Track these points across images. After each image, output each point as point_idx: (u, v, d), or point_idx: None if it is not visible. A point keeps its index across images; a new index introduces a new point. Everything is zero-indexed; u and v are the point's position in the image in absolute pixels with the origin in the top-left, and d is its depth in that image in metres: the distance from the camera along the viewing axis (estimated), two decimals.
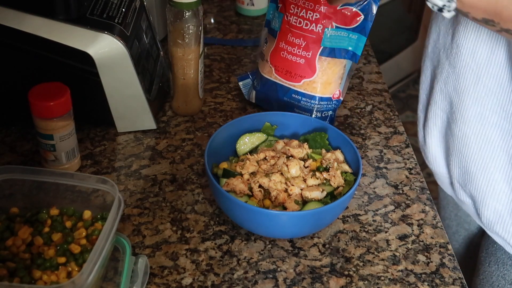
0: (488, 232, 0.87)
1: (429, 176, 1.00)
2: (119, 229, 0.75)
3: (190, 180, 0.85)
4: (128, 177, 0.85)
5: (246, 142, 0.84)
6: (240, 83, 0.99)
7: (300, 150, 0.80)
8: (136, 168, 0.86)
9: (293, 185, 0.76)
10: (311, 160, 0.80)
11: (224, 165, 0.80)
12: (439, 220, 0.81)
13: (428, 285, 0.72)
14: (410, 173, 0.88)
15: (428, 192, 0.85)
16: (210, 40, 1.18)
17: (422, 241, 0.78)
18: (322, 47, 0.88)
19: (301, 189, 0.76)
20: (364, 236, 0.78)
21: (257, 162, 0.79)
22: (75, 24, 0.83)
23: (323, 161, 0.79)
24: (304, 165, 0.79)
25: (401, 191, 0.85)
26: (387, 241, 0.77)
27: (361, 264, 0.74)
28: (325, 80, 0.89)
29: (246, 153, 0.83)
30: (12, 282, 0.62)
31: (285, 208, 0.75)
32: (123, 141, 0.91)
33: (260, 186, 0.76)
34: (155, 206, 0.80)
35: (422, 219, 0.81)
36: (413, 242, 0.77)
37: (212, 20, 1.26)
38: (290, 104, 0.92)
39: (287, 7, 0.89)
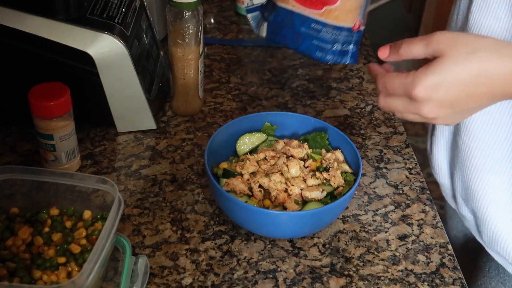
0: (488, 250, 0.84)
1: (429, 176, 1.00)
2: (119, 229, 0.75)
3: (190, 180, 0.85)
4: (128, 177, 0.85)
5: (246, 142, 0.84)
6: (249, 15, 0.87)
7: (300, 150, 0.80)
8: (136, 168, 0.86)
9: (293, 185, 0.76)
10: (311, 160, 0.80)
11: (224, 165, 0.80)
12: (439, 220, 0.81)
13: (428, 285, 0.72)
14: (410, 173, 0.88)
15: (428, 192, 0.85)
16: (210, 40, 1.18)
17: (422, 241, 0.78)
18: None
19: (301, 189, 0.76)
20: (364, 236, 0.78)
21: (257, 162, 0.79)
22: (75, 24, 0.83)
23: (323, 161, 0.79)
24: (304, 165, 0.79)
25: (401, 191, 0.85)
26: (387, 241, 0.77)
27: (361, 264, 0.74)
28: (347, 8, 0.78)
29: (246, 153, 0.83)
30: (12, 282, 0.62)
31: (285, 208, 0.75)
32: (123, 141, 0.91)
33: (260, 186, 0.76)
34: (155, 206, 0.80)
35: (422, 219, 0.81)
36: (413, 242, 0.77)
37: (212, 20, 1.26)
38: (308, 35, 0.80)
39: None
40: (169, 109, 0.98)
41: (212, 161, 0.79)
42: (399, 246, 0.77)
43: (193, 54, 0.91)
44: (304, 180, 0.77)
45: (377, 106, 1.01)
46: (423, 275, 0.73)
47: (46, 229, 0.68)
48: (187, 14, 0.87)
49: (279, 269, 0.73)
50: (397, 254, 0.76)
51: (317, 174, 0.77)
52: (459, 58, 0.58)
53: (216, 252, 0.74)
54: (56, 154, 0.81)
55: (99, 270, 0.60)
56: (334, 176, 0.77)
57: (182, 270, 0.72)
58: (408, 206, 0.83)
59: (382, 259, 0.75)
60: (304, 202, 0.76)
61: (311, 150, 0.82)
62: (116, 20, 0.86)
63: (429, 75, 0.59)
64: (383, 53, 0.67)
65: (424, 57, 0.63)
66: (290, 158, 0.79)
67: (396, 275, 0.73)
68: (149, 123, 0.92)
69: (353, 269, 0.73)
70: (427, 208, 0.82)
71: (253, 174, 0.78)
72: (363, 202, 0.83)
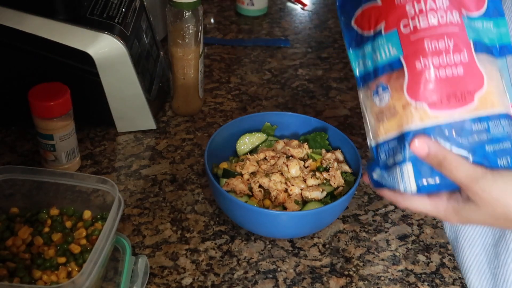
0: None
1: None
2: (119, 229, 0.75)
3: (190, 180, 0.85)
4: (128, 177, 0.85)
5: (246, 142, 0.84)
6: (374, 174, 0.62)
7: (300, 150, 0.80)
8: (136, 168, 0.86)
9: (293, 185, 0.76)
10: (311, 160, 0.80)
11: (224, 165, 0.80)
12: (439, 220, 0.81)
13: (428, 285, 0.72)
14: None
15: None
16: (210, 40, 1.18)
17: (422, 241, 0.78)
18: (471, 41, 0.59)
19: (301, 189, 0.76)
20: (364, 236, 0.78)
21: (257, 162, 0.79)
22: (75, 24, 0.83)
23: (323, 161, 0.79)
24: (304, 165, 0.79)
25: None
26: (387, 241, 0.77)
27: (361, 264, 0.74)
28: (494, 87, 0.59)
29: (246, 153, 0.83)
30: (12, 282, 0.62)
31: (285, 208, 0.75)
32: (123, 141, 0.91)
33: (260, 186, 0.77)
34: (155, 206, 0.80)
35: (422, 219, 0.81)
36: (413, 242, 0.77)
37: (212, 20, 1.26)
38: (475, 145, 0.57)
39: (398, 16, 0.59)
40: (169, 109, 0.98)
41: (212, 161, 0.79)
42: (399, 246, 0.77)
43: (193, 54, 0.91)
44: (304, 180, 0.77)
45: None
46: (423, 275, 0.73)
47: (46, 229, 0.68)
48: (187, 14, 0.87)
49: (279, 269, 0.73)
50: (397, 254, 0.76)
51: (317, 174, 0.77)
52: (496, 213, 0.56)
53: (216, 252, 0.74)
54: (56, 154, 0.81)
55: (99, 270, 0.60)
56: (334, 176, 0.77)
57: (182, 270, 0.72)
58: None
59: (382, 259, 0.75)
60: (304, 202, 0.76)
61: (311, 150, 0.82)
62: (116, 20, 0.86)
63: (464, 213, 0.57)
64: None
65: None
66: (290, 158, 0.79)
67: (396, 275, 0.73)
68: (149, 123, 0.92)
69: (353, 269, 0.73)
70: None
71: (253, 174, 0.78)
72: (363, 202, 0.83)
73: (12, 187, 0.69)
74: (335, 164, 0.79)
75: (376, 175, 0.61)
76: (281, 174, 0.77)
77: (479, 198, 0.54)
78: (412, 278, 0.72)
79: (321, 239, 0.77)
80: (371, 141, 0.61)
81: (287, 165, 0.77)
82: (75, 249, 0.66)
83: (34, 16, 0.82)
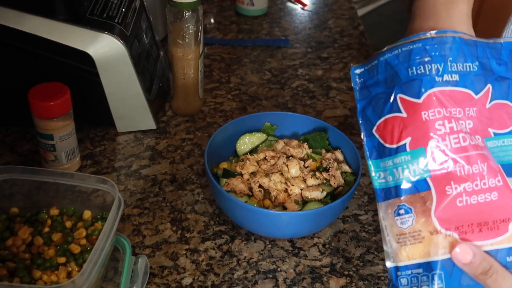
0: None
1: None
2: (119, 229, 0.75)
3: (190, 180, 0.85)
4: (128, 177, 0.85)
5: (246, 142, 0.84)
6: None
7: (300, 150, 0.80)
8: (136, 168, 0.86)
9: (293, 185, 0.76)
10: (311, 160, 0.80)
11: (224, 165, 0.80)
12: None
13: None
14: None
15: None
16: (210, 40, 1.18)
17: None
18: (500, 165, 0.56)
19: (301, 189, 0.76)
20: (364, 236, 0.78)
21: (257, 162, 0.79)
22: (75, 24, 0.83)
23: (323, 161, 0.79)
24: (304, 165, 0.79)
25: None
26: None
27: (361, 264, 0.74)
28: None
29: (246, 153, 0.83)
30: (12, 282, 0.62)
31: (285, 208, 0.75)
32: (123, 141, 0.91)
33: (260, 186, 0.77)
34: (155, 206, 0.80)
35: None
36: None
37: (212, 20, 1.26)
38: None
39: (425, 132, 0.54)
40: (169, 109, 0.98)
41: (212, 161, 0.79)
42: None
43: (193, 54, 0.91)
44: (304, 180, 0.77)
45: None
46: None
47: (46, 229, 0.68)
48: (187, 14, 0.87)
49: (279, 269, 0.73)
50: None
51: (317, 174, 0.77)
52: None
53: (216, 252, 0.74)
54: (56, 154, 0.81)
55: (99, 270, 0.60)
56: (334, 176, 0.77)
57: (182, 270, 0.72)
58: None
59: (382, 259, 0.75)
60: (304, 202, 0.76)
61: (311, 150, 0.82)
62: (116, 20, 0.86)
63: None
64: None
65: None
66: (290, 158, 0.79)
67: None
68: (149, 123, 0.92)
69: (353, 269, 0.73)
70: None
71: (253, 174, 0.78)
72: (363, 202, 0.83)
73: (12, 187, 0.69)
74: (335, 164, 0.79)
75: None
76: (281, 174, 0.77)
77: None
78: None
79: (321, 239, 0.77)
80: (390, 262, 0.56)
81: (287, 165, 0.77)
82: (75, 249, 0.66)
83: (34, 16, 0.82)
